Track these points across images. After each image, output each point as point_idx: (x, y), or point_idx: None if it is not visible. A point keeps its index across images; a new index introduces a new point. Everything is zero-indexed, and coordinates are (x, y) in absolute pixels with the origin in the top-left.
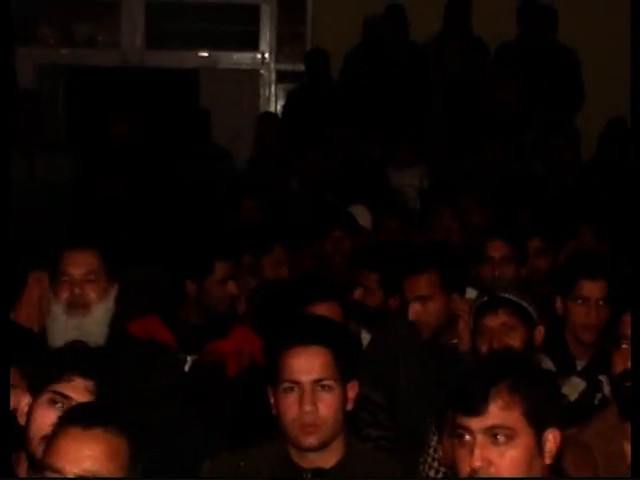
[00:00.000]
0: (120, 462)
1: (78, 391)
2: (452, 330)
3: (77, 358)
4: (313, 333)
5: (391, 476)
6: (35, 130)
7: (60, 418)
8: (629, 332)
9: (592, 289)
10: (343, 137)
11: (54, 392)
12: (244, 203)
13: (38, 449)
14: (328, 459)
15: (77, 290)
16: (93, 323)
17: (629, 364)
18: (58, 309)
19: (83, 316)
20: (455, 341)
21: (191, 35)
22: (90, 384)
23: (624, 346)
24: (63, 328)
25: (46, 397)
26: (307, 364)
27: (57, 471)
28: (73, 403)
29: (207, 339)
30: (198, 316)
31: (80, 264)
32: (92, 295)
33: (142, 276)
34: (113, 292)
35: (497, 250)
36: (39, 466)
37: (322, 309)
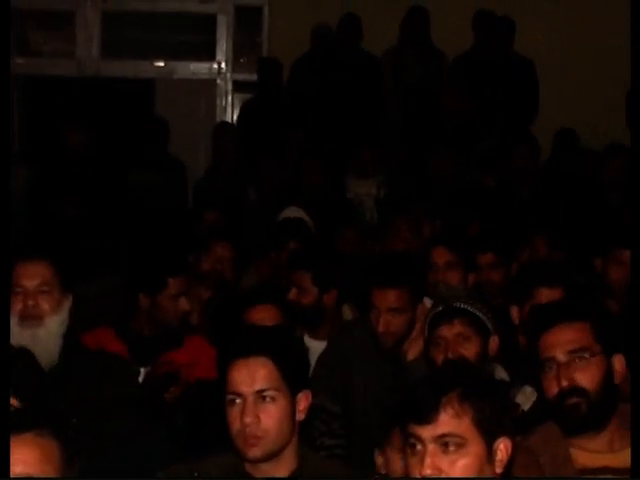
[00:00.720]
0: (54, 466)
1: None
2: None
3: None
4: (255, 344)
5: None
6: None
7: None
8: (551, 355)
9: (550, 296)
10: (295, 144)
11: None
12: (207, 216)
13: None
14: (281, 469)
15: (30, 302)
16: (47, 334)
17: (562, 383)
18: (12, 321)
19: (37, 327)
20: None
21: (147, 45)
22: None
23: (550, 368)
24: (17, 340)
25: None
26: (248, 375)
27: None
28: None
29: (160, 351)
30: (150, 329)
31: (33, 275)
32: (45, 306)
33: (94, 288)
34: (67, 303)
35: (441, 257)
36: None
37: (260, 312)
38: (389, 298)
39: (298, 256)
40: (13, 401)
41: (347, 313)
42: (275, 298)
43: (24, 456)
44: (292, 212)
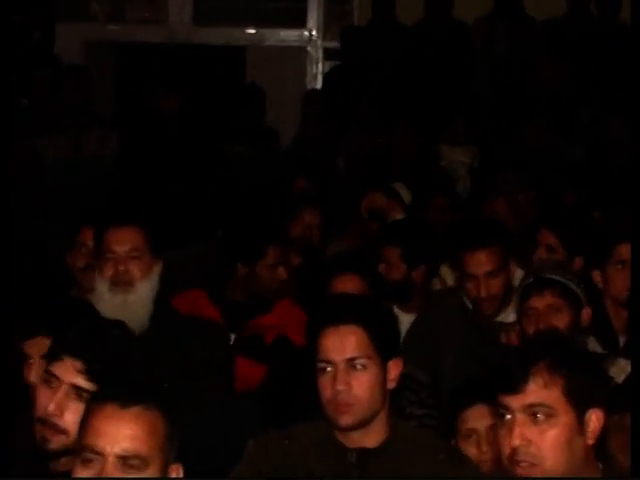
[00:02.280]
0: (158, 440)
1: (66, 371)
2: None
3: (69, 337)
4: (346, 312)
5: (436, 454)
6: (83, 106)
7: (95, 396)
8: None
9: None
10: (381, 112)
11: (46, 372)
12: (297, 184)
13: (37, 429)
14: (372, 438)
15: (121, 267)
16: (137, 300)
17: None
18: (102, 286)
19: (127, 293)
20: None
21: (239, 12)
22: (79, 364)
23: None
24: (107, 305)
25: (42, 377)
26: (340, 343)
27: (96, 452)
28: (63, 384)
29: (251, 317)
30: (245, 296)
31: (124, 241)
32: (136, 272)
33: (188, 254)
34: (157, 269)
35: (546, 238)
36: (77, 448)
37: (344, 282)
38: (482, 260)
39: (388, 231)
40: (71, 363)
41: (447, 276)
42: (360, 268)
43: (132, 431)
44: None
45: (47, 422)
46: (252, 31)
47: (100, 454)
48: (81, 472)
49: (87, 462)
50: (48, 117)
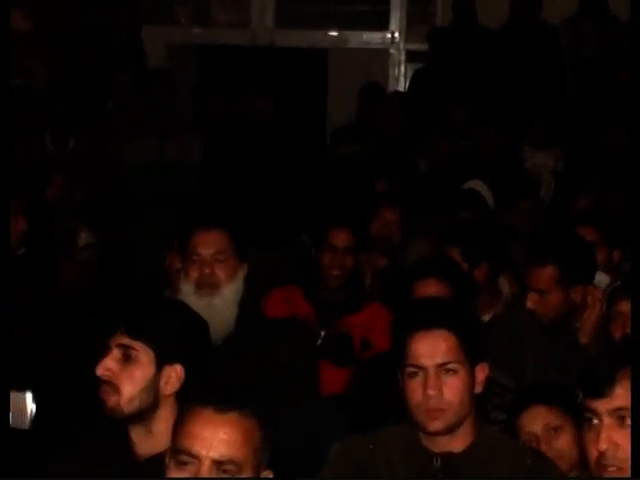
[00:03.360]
0: (253, 445)
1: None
2: (575, 319)
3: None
4: (436, 316)
5: (522, 459)
6: (167, 109)
7: (192, 399)
8: None
9: None
10: (467, 114)
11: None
12: (377, 186)
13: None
14: (458, 443)
15: (207, 270)
16: (222, 303)
17: None
18: (188, 289)
19: (212, 296)
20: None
21: (321, 14)
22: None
23: None
24: (193, 308)
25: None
26: (430, 348)
27: (192, 456)
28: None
29: (341, 314)
30: (334, 293)
31: (210, 244)
32: (221, 275)
33: (275, 257)
34: (242, 272)
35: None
36: (171, 450)
37: (428, 286)
38: (536, 278)
39: (448, 231)
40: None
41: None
42: (442, 272)
43: (228, 436)
44: (473, 185)
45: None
46: (334, 34)
47: (196, 458)
48: (175, 474)
49: (182, 465)
50: (132, 120)
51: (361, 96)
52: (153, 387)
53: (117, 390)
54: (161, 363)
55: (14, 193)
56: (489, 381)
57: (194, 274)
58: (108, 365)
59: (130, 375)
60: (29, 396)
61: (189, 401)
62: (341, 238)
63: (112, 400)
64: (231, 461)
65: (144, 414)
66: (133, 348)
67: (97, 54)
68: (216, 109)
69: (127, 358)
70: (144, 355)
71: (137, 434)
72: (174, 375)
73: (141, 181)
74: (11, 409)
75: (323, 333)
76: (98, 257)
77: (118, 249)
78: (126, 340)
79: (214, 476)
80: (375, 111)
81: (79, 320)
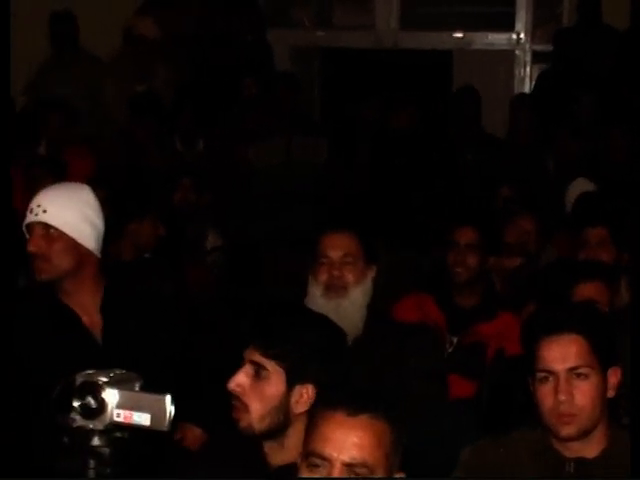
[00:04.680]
0: (385, 449)
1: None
2: None
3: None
4: (567, 321)
5: None
6: (293, 111)
7: (324, 402)
8: None
9: None
10: (591, 113)
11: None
12: (502, 191)
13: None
14: (591, 448)
15: (335, 272)
16: (351, 305)
17: None
18: (316, 291)
19: (341, 298)
20: None
21: (445, 16)
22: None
23: None
24: (321, 310)
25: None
26: (561, 353)
27: (324, 458)
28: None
29: (473, 322)
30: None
31: (338, 246)
32: (350, 277)
33: (404, 258)
34: (371, 274)
35: None
36: (303, 452)
37: (588, 289)
38: None
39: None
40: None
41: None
42: (601, 274)
43: (360, 440)
44: (581, 183)
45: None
46: (459, 35)
47: (327, 460)
48: (307, 475)
49: (313, 467)
50: (258, 123)
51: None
52: (283, 406)
53: (246, 408)
54: (292, 382)
55: (149, 198)
56: (622, 385)
57: (323, 277)
58: (239, 381)
59: (260, 393)
60: (168, 398)
61: (322, 403)
62: (464, 235)
63: (243, 418)
64: (362, 464)
65: (275, 432)
66: (264, 367)
67: (225, 57)
68: (341, 112)
69: (258, 375)
70: (275, 374)
71: (270, 447)
72: (305, 394)
73: (268, 182)
74: (150, 411)
75: (455, 340)
76: (225, 260)
77: (246, 251)
78: (258, 357)
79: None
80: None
81: (211, 327)
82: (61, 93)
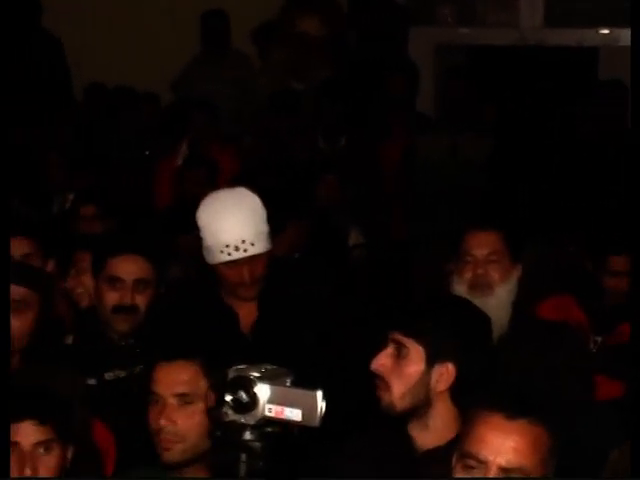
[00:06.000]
0: (541, 454)
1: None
2: None
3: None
4: None
5: None
6: (460, 108)
7: (482, 403)
8: None
9: None
10: None
11: None
12: None
13: None
14: None
15: (480, 270)
16: (496, 303)
17: None
18: (461, 289)
19: (486, 297)
20: None
21: (591, 12)
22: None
23: None
24: None
25: None
26: None
27: (480, 461)
28: None
29: (618, 322)
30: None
31: (483, 245)
32: (495, 276)
33: (549, 256)
34: (516, 273)
35: None
36: (458, 452)
37: None
38: None
39: None
40: None
41: None
42: None
43: (516, 444)
44: None
45: None
46: (606, 31)
47: (483, 463)
48: (461, 475)
49: (469, 468)
50: (425, 116)
51: None
52: (424, 384)
53: (388, 387)
54: (432, 361)
55: (303, 196)
56: None
57: (467, 275)
58: (382, 361)
59: (401, 372)
60: (319, 394)
61: (481, 404)
62: (622, 264)
63: (385, 397)
64: (519, 468)
65: (418, 410)
66: (405, 345)
67: (370, 54)
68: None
69: (399, 354)
70: (415, 352)
71: (414, 429)
72: (445, 373)
73: (432, 177)
74: (301, 407)
75: (599, 340)
76: (368, 257)
77: (390, 248)
78: (399, 336)
79: None
80: None
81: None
82: (208, 90)
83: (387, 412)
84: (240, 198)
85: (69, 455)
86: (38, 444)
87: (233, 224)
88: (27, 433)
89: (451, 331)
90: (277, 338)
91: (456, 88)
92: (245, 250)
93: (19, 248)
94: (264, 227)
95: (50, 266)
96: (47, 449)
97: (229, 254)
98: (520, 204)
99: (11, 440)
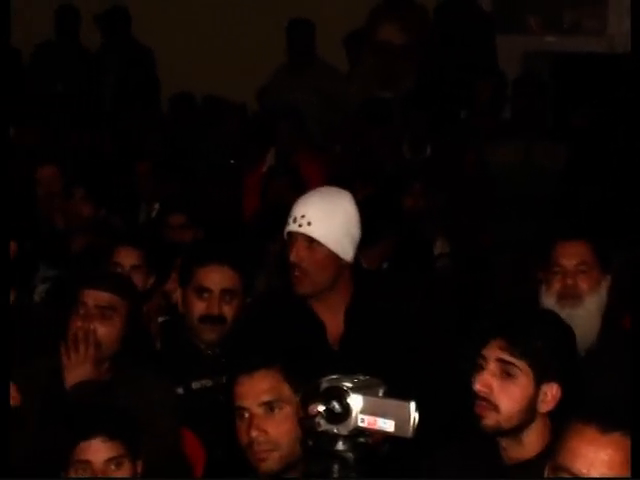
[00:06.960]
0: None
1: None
2: None
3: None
4: None
5: None
6: (532, 116)
7: (578, 414)
8: None
9: None
10: None
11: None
12: None
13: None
14: None
15: (569, 281)
16: (585, 315)
17: None
18: (549, 300)
19: (574, 307)
20: None
21: None
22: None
23: None
24: None
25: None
26: None
27: (572, 474)
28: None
29: None
30: None
31: (572, 255)
32: (584, 286)
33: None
34: (605, 283)
35: None
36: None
37: None
38: None
39: None
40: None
41: None
42: None
43: (610, 458)
44: None
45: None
46: None
47: (577, 476)
48: None
49: None
50: (497, 124)
51: None
52: (531, 405)
53: (495, 407)
54: (539, 381)
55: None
56: None
57: (556, 285)
58: (487, 381)
59: (509, 393)
60: (412, 405)
61: (576, 415)
62: None
63: (491, 418)
64: None
65: (518, 430)
66: (515, 366)
67: (457, 61)
68: (578, 117)
69: (506, 375)
70: (525, 374)
71: (507, 442)
72: (550, 394)
73: (506, 182)
74: (394, 417)
75: None
76: (453, 267)
77: (474, 259)
78: (505, 356)
79: None
80: None
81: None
82: (294, 99)
83: (489, 431)
84: (336, 198)
85: (139, 470)
86: (109, 460)
87: (306, 200)
88: (97, 449)
89: (555, 351)
90: (365, 350)
91: (529, 95)
92: (300, 225)
93: (128, 259)
94: (343, 228)
95: (151, 281)
96: (118, 465)
97: (288, 224)
98: (605, 213)
99: (82, 459)
